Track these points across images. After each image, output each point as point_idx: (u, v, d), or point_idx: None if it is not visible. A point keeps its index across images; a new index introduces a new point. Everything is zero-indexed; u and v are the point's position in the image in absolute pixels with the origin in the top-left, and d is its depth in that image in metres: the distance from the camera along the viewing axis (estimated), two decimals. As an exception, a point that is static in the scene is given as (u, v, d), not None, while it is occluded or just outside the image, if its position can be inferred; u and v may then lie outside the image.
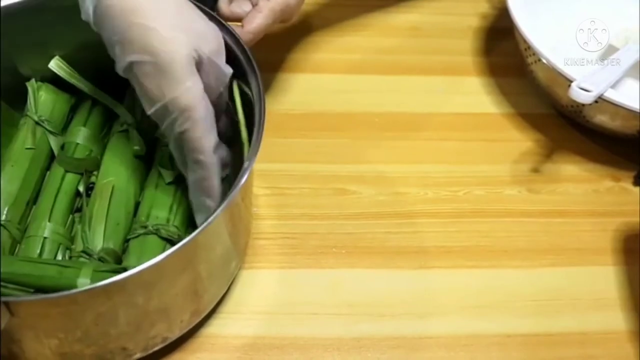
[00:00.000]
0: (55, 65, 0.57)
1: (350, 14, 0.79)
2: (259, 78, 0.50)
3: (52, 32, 0.56)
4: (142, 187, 0.55)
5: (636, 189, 0.65)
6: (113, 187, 0.53)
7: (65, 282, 0.47)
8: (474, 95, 0.72)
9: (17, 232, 0.53)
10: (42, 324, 0.43)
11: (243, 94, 0.52)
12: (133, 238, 0.52)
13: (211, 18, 0.52)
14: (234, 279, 0.55)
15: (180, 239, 0.52)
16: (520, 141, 0.68)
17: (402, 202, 0.62)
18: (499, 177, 0.65)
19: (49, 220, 0.53)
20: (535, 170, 0.66)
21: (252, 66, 0.51)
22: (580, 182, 0.65)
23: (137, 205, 0.54)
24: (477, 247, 0.60)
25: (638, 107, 0.59)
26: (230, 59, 0.52)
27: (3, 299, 0.39)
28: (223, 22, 0.53)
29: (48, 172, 0.57)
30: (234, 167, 0.52)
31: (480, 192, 0.64)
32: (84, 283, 0.46)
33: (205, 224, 0.43)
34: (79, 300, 0.41)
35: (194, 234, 0.42)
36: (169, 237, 0.52)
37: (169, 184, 0.54)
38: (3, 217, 0.52)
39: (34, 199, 0.55)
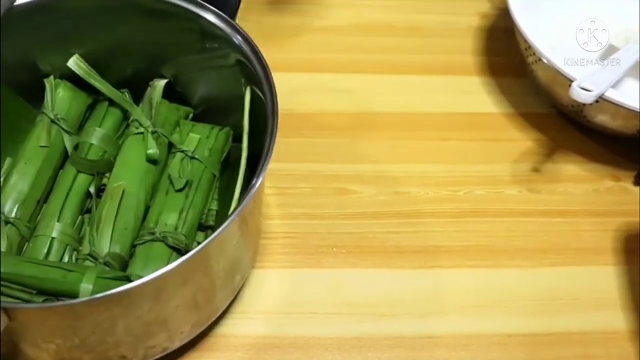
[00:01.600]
0: (74, 63, 0.57)
1: (351, 14, 0.79)
2: (274, 89, 0.49)
3: (73, 30, 0.56)
4: (153, 191, 0.55)
5: (636, 188, 0.65)
6: (123, 191, 0.53)
7: (68, 286, 0.46)
8: (474, 95, 0.72)
9: (26, 231, 0.52)
10: (40, 330, 0.43)
11: (255, 99, 0.52)
12: (140, 244, 0.52)
13: (230, 26, 0.52)
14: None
15: (187, 247, 0.52)
16: (521, 141, 0.68)
17: (403, 201, 0.62)
18: (499, 177, 0.65)
19: (58, 220, 0.52)
20: (536, 170, 0.66)
21: (268, 76, 0.50)
22: (580, 181, 0.65)
23: (147, 210, 0.54)
24: (477, 247, 0.60)
25: (638, 107, 0.59)
26: (246, 66, 0.52)
27: (2, 304, 0.39)
28: (239, 28, 0.52)
29: (60, 171, 0.56)
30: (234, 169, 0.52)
31: (480, 192, 0.64)
32: (86, 288, 0.46)
33: (212, 237, 0.42)
34: (77, 310, 0.41)
35: (199, 247, 0.41)
36: (176, 246, 0.51)
37: (179, 190, 0.54)
38: (13, 215, 0.52)
39: (45, 198, 0.55)
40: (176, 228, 0.53)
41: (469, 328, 0.55)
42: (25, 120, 0.58)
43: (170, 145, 0.58)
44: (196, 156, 0.56)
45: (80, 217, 0.54)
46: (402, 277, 0.58)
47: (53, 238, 0.52)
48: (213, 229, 0.55)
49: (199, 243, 0.53)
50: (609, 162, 0.67)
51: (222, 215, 0.55)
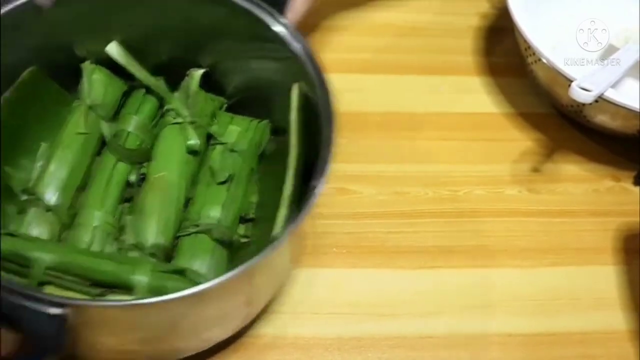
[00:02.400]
0: (113, 49, 0.56)
1: (350, 14, 0.79)
2: (329, 90, 0.49)
3: (113, 16, 0.55)
4: (192, 183, 0.55)
5: (636, 188, 0.65)
6: (166, 182, 0.53)
7: (123, 278, 0.46)
8: (474, 95, 0.72)
9: (66, 218, 0.52)
10: (101, 326, 0.42)
11: (304, 98, 0.52)
12: (184, 236, 0.52)
13: (283, 25, 0.52)
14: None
15: (232, 241, 0.52)
16: (521, 141, 0.68)
17: (403, 201, 0.62)
18: (499, 177, 0.65)
19: (100, 209, 0.52)
20: (536, 170, 0.66)
21: (321, 78, 0.50)
22: (580, 181, 0.65)
23: (186, 201, 0.54)
24: (477, 247, 0.60)
25: (638, 107, 0.59)
26: (294, 63, 0.52)
27: (63, 300, 0.39)
28: (295, 30, 0.52)
29: (97, 159, 0.56)
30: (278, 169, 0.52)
31: (480, 192, 0.64)
32: (141, 281, 0.46)
33: (283, 235, 0.43)
34: (146, 308, 0.41)
35: (274, 245, 0.42)
36: (221, 239, 0.52)
37: (221, 183, 0.54)
38: (53, 202, 0.52)
39: (83, 185, 0.55)
40: (219, 221, 0.53)
41: (469, 328, 0.55)
42: (60, 104, 0.57)
43: (208, 137, 0.58)
44: (236, 149, 0.56)
45: (120, 206, 0.54)
46: (402, 277, 0.58)
47: (95, 227, 0.51)
48: (254, 221, 0.55)
49: (242, 235, 0.54)
50: (609, 162, 0.67)
51: (262, 208, 0.55)
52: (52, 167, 0.53)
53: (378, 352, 0.53)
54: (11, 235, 0.47)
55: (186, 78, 0.58)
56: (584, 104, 0.62)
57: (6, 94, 0.52)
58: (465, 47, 0.76)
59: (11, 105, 0.52)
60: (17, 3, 0.51)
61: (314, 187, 0.45)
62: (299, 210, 0.44)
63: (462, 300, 0.57)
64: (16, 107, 0.53)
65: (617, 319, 0.57)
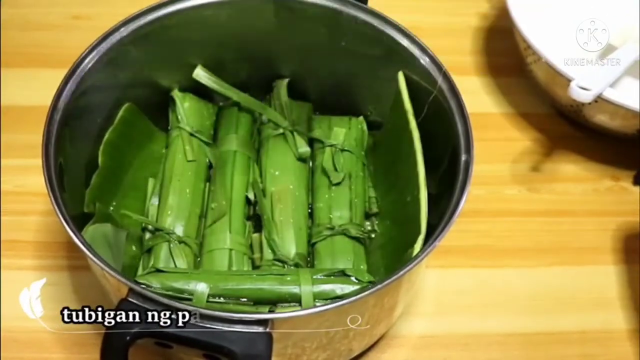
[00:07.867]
0: (200, 74, 0.56)
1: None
2: (469, 123, 0.50)
3: (188, 43, 0.55)
4: (308, 189, 0.56)
5: (636, 188, 0.65)
6: (290, 193, 0.54)
7: (289, 292, 0.46)
8: (474, 95, 0.72)
9: (196, 248, 0.52)
10: (290, 336, 0.42)
11: (411, 84, 0.53)
12: (319, 241, 0.52)
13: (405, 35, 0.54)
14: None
15: (365, 237, 0.53)
16: (520, 141, 0.68)
17: (402, 201, 0.62)
18: (499, 177, 0.65)
19: (230, 232, 0.52)
20: (535, 169, 0.66)
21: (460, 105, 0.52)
22: (580, 181, 0.65)
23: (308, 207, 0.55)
24: (477, 247, 0.60)
25: (637, 107, 0.59)
26: (397, 53, 0.53)
27: (268, 316, 0.39)
28: (418, 40, 0.54)
29: (208, 184, 0.56)
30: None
31: (480, 192, 0.64)
32: (306, 290, 0.46)
33: (438, 234, 0.45)
34: (345, 308, 0.40)
35: (435, 241, 0.44)
36: (358, 236, 0.52)
37: (338, 184, 0.55)
38: (183, 233, 0.52)
39: (203, 212, 0.55)
40: (351, 219, 0.53)
41: (469, 328, 0.55)
42: (149, 138, 0.57)
43: (311, 141, 0.58)
44: (346, 148, 0.57)
45: (247, 224, 0.54)
46: (402, 277, 0.58)
47: (231, 250, 0.51)
48: (377, 215, 0.56)
49: (370, 231, 0.55)
50: (609, 161, 0.67)
51: (383, 202, 0.56)
52: (170, 199, 0.53)
53: (378, 352, 0.53)
54: (161, 271, 0.47)
55: (274, 89, 0.59)
56: (583, 104, 0.62)
57: (107, 136, 0.52)
58: (465, 47, 0.76)
59: (113, 146, 0.52)
60: (114, 40, 0.50)
61: (457, 208, 0.46)
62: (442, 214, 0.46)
63: (462, 300, 0.57)
64: (116, 146, 0.53)
65: (617, 318, 0.57)
